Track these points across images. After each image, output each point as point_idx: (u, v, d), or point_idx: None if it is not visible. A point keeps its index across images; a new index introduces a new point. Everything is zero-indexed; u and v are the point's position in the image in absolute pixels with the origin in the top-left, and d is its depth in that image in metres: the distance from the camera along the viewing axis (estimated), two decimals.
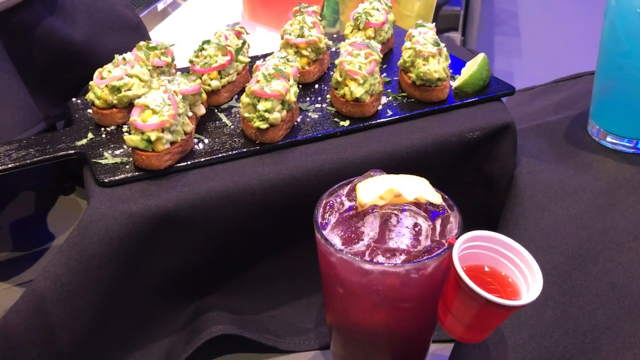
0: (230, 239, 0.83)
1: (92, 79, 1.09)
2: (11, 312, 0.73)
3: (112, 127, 0.89)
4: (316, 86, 1.01)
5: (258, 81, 0.85)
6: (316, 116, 0.92)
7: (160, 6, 2.02)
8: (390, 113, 0.92)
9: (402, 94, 0.97)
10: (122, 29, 1.19)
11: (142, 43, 0.94)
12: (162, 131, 0.78)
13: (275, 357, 0.87)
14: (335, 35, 1.22)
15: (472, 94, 0.96)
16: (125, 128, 0.89)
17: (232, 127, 0.89)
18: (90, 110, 0.92)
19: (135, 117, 0.79)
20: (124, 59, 0.90)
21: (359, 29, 1.06)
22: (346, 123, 0.90)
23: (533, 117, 1.17)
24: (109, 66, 0.90)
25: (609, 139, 0.97)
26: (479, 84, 0.97)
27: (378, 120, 0.90)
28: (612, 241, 0.83)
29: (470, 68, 0.98)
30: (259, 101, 0.83)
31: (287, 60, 0.90)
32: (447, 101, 0.95)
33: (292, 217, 0.83)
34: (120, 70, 0.88)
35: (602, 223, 0.85)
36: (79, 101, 0.96)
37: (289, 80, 0.86)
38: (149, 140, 0.78)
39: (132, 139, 0.78)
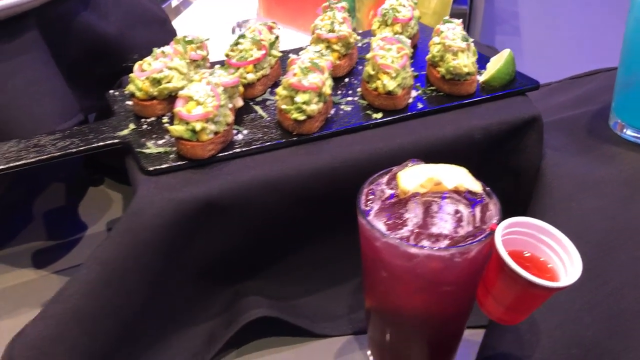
0: (269, 226, 0.86)
1: (123, 72, 1.12)
2: (61, 296, 0.76)
3: (153, 118, 0.92)
4: (346, 80, 1.03)
5: (295, 74, 0.87)
6: (349, 109, 0.94)
7: (174, 2, 2.05)
8: (421, 106, 0.95)
9: (431, 87, 1.00)
10: (150, 24, 1.22)
11: (179, 37, 0.97)
12: (206, 122, 0.80)
13: (310, 342, 0.89)
14: (359, 32, 1.24)
15: (498, 88, 0.99)
16: (165, 119, 0.92)
17: (268, 119, 0.92)
18: (129, 102, 0.95)
19: (180, 107, 0.81)
20: (162, 52, 0.93)
21: (386, 25, 1.09)
22: (379, 115, 0.92)
23: (552, 112, 1.20)
24: (148, 59, 0.92)
25: (630, 132, 1.00)
26: (505, 79, 0.99)
27: (410, 113, 0.93)
28: (638, 230, 0.85)
29: (497, 63, 1.00)
30: (296, 93, 0.86)
31: (322, 54, 0.92)
32: (474, 95, 0.98)
33: (328, 206, 0.86)
34: (160, 63, 0.91)
35: (627, 213, 0.88)
36: (116, 93, 0.98)
37: (324, 73, 0.89)
38: (193, 131, 0.80)
39: (176, 129, 0.81)
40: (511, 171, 0.97)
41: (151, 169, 0.81)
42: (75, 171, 1.23)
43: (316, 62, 0.89)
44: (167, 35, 1.25)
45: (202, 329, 0.87)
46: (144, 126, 0.90)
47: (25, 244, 1.07)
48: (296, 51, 1.12)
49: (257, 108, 0.95)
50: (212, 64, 1.03)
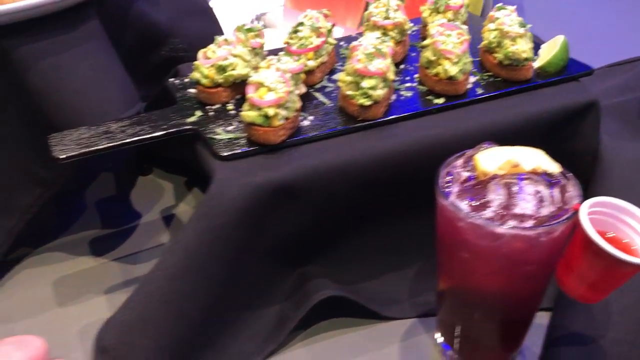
0: (337, 209, 0.87)
1: (172, 62, 1.12)
2: (146, 281, 0.77)
3: (218, 105, 0.92)
4: (401, 66, 1.04)
5: (359, 60, 0.88)
6: (409, 94, 0.95)
7: None
8: (480, 91, 0.96)
9: (487, 73, 1.00)
10: (197, 14, 1.22)
11: (240, 25, 0.97)
12: (278, 107, 0.81)
13: (375, 324, 0.90)
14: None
15: (553, 73, 1.00)
16: (229, 106, 0.92)
17: (331, 105, 0.93)
18: (191, 90, 0.96)
19: (252, 94, 0.82)
20: (225, 40, 0.93)
21: (438, 12, 1.09)
22: (440, 100, 0.93)
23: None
24: (212, 47, 0.93)
25: None
26: (560, 64, 1.00)
27: (471, 98, 0.94)
28: None
29: (551, 49, 1.01)
30: (362, 79, 0.87)
31: (383, 40, 0.93)
32: (531, 80, 0.99)
33: (396, 190, 0.87)
34: (224, 51, 0.91)
35: None
36: (176, 81, 0.99)
37: (386, 59, 0.90)
38: (266, 116, 0.81)
39: (249, 115, 0.82)
40: (569, 156, 0.97)
41: (225, 154, 0.82)
42: (124, 161, 1.24)
43: (379, 48, 0.90)
44: (211, 24, 1.26)
45: (273, 311, 0.88)
46: (210, 113, 0.91)
47: (82, 232, 1.08)
48: (347, 39, 1.13)
49: (318, 95, 0.96)
50: (268, 52, 1.03)
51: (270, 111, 0.81)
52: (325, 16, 1.03)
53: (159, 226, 1.10)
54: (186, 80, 0.98)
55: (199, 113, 0.90)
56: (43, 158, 0.95)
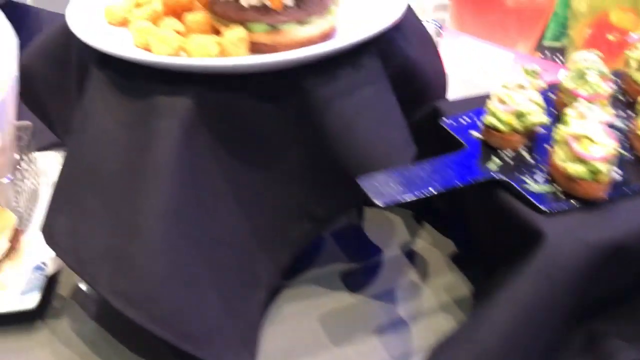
0: None
1: (413, 101, 1.10)
2: (473, 336, 0.76)
3: (510, 151, 0.90)
4: None
5: None
6: None
7: None
8: None
9: None
10: (428, 46, 1.21)
11: (526, 67, 0.95)
12: (608, 163, 0.79)
13: None
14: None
15: None
16: (523, 153, 0.90)
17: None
18: (474, 132, 0.94)
19: (577, 147, 0.80)
20: (520, 85, 0.91)
21: None
22: None
23: None
24: (506, 91, 0.91)
25: None
26: None
27: None
28: None
29: None
30: None
31: None
32: None
33: None
34: (522, 97, 0.89)
35: None
36: (451, 122, 0.98)
37: None
38: (593, 171, 0.79)
39: (576, 169, 0.80)
40: None
41: (549, 209, 0.80)
42: None
43: None
44: (437, 57, 1.24)
45: None
46: (507, 160, 0.89)
47: (330, 266, 1.08)
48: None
49: None
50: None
51: (602, 167, 0.78)
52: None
53: (403, 262, 1.10)
54: (461, 120, 0.97)
55: (496, 160, 0.89)
56: (319, 196, 0.96)
